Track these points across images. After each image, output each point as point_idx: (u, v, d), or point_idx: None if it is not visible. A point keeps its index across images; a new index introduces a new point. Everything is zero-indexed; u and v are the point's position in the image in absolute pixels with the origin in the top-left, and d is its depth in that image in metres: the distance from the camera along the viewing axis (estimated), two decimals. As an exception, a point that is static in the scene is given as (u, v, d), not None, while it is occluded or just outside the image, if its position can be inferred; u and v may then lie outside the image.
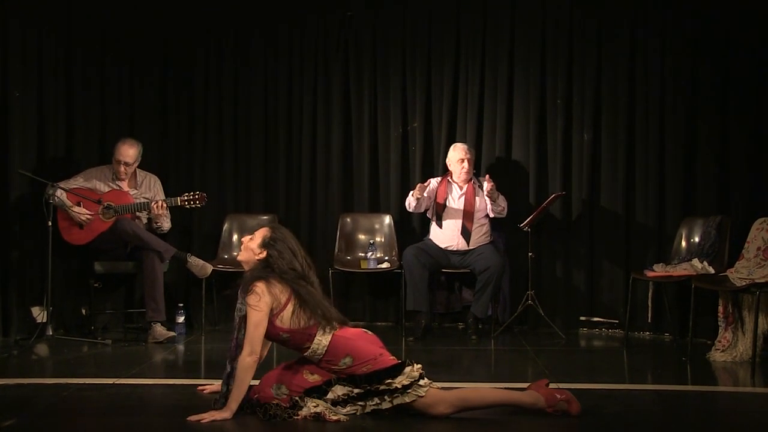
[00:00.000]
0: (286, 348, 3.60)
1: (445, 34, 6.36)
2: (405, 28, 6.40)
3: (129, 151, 5.73)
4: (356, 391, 3.42)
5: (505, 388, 3.68)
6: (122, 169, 5.72)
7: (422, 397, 3.39)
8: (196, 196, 5.67)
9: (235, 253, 5.64)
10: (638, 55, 6.08)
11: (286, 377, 3.50)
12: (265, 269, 3.52)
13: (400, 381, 3.40)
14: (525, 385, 3.68)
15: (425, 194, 5.87)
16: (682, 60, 5.97)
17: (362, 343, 3.53)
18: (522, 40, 6.26)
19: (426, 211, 6.02)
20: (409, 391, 3.39)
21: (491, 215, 5.92)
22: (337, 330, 3.51)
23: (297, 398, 3.42)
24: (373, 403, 3.41)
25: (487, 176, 5.80)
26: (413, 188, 6.10)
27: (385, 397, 3.40)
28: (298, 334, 3.47)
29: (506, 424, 3.43)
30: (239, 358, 3.42)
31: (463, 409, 3.44)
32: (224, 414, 3.36)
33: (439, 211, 5.92)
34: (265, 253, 3.55)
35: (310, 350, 3.48)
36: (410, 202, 5.90)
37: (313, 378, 3.47)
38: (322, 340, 3.48)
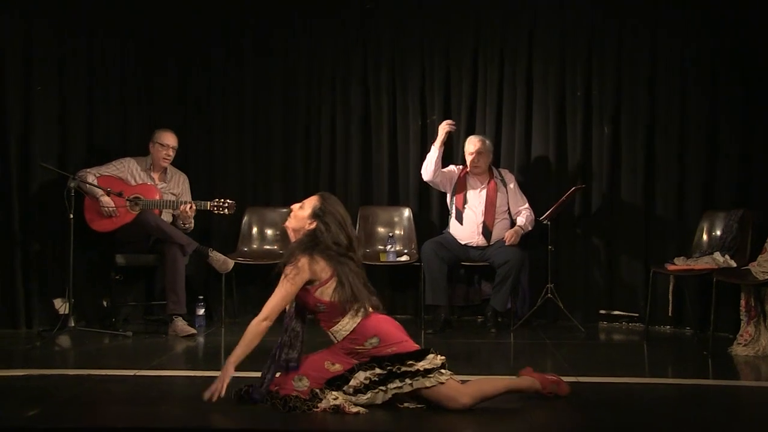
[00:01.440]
0: (313, 321, 3.60)
1: (464, 27, 6.34)
2: (423, 20, 6.38)
3: (174, 137, 5.85)
4: (378, 371, 3.42)
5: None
6: (170, 153, 5.81)
7: (443, 383, 3.39)
8: (226, 204, 5.69)
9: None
10: (659, 47, 6.03)
11: (306, 369, 3.50)
12: (311, 242, 3.53)
13: (422, 365, 3.41)
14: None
15: (443, 170, 5.84)
16: (702, 52, 5.92)
17: (390, 326, 3.55)
18: (541, 33, 6.24)
19: (445, 196, 6.01)
20: (430, 375, 3.39)
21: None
22: (368, 314, 3.53)
23: (318, 390, 3.42)
24: (395, 386, 3.40)
25: (508, 236, 5.78)
26: (431, 186, 6.11)
27: (407, 379, 3.39)
28: (333, 308, 3.50)
29: (524, 414, 3.43)
30: (253, 320, 3.48)
31: (481, 399, 3.44)
32: (224, 375, 3.43)
33: (459, 206, 5.89)
34: (314, 224, 3.56)
35: (338, 325, 3.50)
36: (427, 165, 5.85)
37: (334, 368, 3.48)
38: (354, 316, 3.50)
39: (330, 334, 3.56)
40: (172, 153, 5.84)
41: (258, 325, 3.46)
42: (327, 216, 3.57)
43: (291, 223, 3.65)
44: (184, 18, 6.39)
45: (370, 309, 3.55)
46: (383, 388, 3.41)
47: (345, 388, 3.42)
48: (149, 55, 6.35)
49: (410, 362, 3.42)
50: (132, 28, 6.28)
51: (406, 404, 3.45)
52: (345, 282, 3.49)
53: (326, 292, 3.50)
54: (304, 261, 3.47)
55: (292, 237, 3.65)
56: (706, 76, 5.91)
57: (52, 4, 5.87)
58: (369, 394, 3.41)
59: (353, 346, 3.49)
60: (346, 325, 3.50)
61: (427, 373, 3.40)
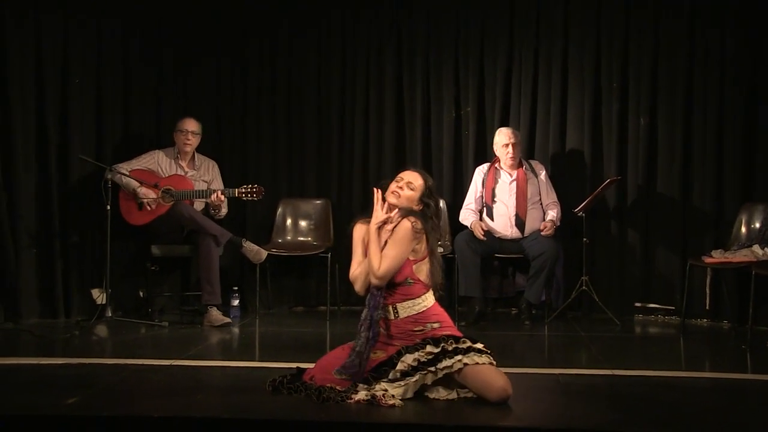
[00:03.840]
0: (391, 296, 3.55)
1: (499, 17, 6.30)
2: (458, 12, 6.35)
3: (193, 122, 5.89)
4: (429, 349, 3.40)
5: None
6: (189, 138, 5.84)
7: (493, 364, 3.40)
8: (254, 190, 5.72)
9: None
10: (697, 37, 5.94)
11: (343, 361, 3.49)
12: (425, 218, 3.59)
13: (475, 345, 3.44)
14: (580, 371, 3.66)
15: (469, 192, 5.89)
16: (741, 41, 5.82)
17: (446, 314, 3.63)
18: (576, 23, 6.17)
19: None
20: (483, 355, 3.41)
21: None
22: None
23: (365, 378, 3.40)
24: (445, 365, 3.37)
25: (544, 226, 5.75)
26: (465, 172, 6.10)
27: (458, 356, 3.38)
28: (420, 286, 3.55)
29: (560, 407, 3.41)
30: (374, 272, 3.49)
31: None
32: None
33: (489, 203, 5.86)
34: (421, 206, 3.62)
35: (409, 302, 3.52)
36: (466, 219, 5.87)
37: (376, 356, 3.47)
38: (429, 298, 3.57)
39: (391, 308, 3.53)
40: (191, 138, 5.86)
41: (373, 277, 3.50)
42: (433, 200, 3.67)
43: (401, 201, 3.60)
44: (219, 9, 6.43)
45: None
46: (432, 368, 3.38)
47: (391, 374, 3.39)
48: (184, 46, 6.39)
49: (464, 340, 3.44)
50: (167, 19, 6.33)
51: (435, 395, 3.42)
52: (437, 265, 3.57)
53: (421, 270, 3.54)
54: (422, 230, 3.53)
55: (390, 210, 3.61)
56: (745, 66, 5.81)
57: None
58: (417, 376, 3.38)
59: (412, 327, 3.50)
60: (417, 305, 3.52)
61: (480, 351, 3.42)
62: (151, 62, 6.30)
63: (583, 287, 5.73)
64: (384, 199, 3.62)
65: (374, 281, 3.50)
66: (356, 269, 3.60)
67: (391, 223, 3.57)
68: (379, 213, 3.59)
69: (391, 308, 3.54)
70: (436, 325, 3.50)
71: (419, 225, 3.52)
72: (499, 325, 5.78)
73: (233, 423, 3.17)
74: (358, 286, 3.59)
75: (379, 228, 3.58)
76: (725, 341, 5.32)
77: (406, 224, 3.52)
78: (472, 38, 6.33)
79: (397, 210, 3.59)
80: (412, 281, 3.53)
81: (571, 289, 5.85)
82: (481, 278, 5.81)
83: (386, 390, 3.35)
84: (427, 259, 3.55)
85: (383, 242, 3.54)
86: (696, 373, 4.35)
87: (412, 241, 3.51)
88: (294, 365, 3.73)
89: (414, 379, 3.38)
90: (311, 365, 3.62)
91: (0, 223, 5.51)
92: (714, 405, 3.64)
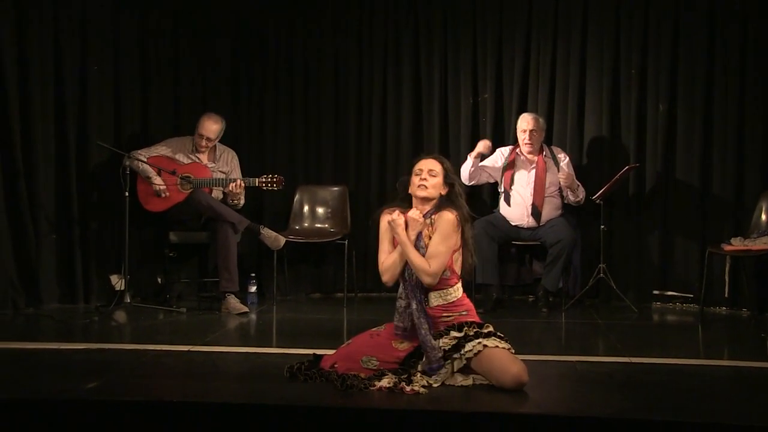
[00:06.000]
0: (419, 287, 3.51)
1: (517, 3, 6.25)
2: (475, -2, 6.33)
3: (212, 127, 5.84)
4: (454, 334, 3.41)
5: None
6: (203, 143, 5.83)
7: (512, 350, 3.41)
8: (274, 179, 5.74)
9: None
10: (717, 22, 5.88)
11: (373, 349, 3.49)
12: (455, 205, 3.53)
13: (497, 333, 3.46)
14: (598, 359, 3.65)
15: (483, 167, 5.81)
16: (763, 27, 5.75)
17: (471, 304, 3.63)
18: (595, 8, 6.12)
19: (495, 183, 5.97)
20: (503, 341, 3.41)
21: (569, 201, 5.83)
22: None
23: (388, 372, 3.39)
24: (467, 349, 3.37)
25: (565, 165, 5.72)
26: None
27: (481, 340, 3.39)
28: (454, 277, 3.53)
29: (577, 395, 3.41)
30: (428, 271, 3.42)
31: None
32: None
33: (507, 186, 5.84)
34: (447, 190, 3.56)
35: (451, 290, 3.50)
36: (462, 174, 5.81)
37: (403, 346, 3.48)
38: (460, 288, 3.54)
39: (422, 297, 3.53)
40: (205, 143, 5.84)
41: (427, 277, 3.44)
42: (456, 179, 3.60)
43: (430, 192, 3.53)
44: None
45: None
46: (457, 355, 3.39)
47: (420, 365, 3.41)
48: (202, 34, 6.40)
49: (487, 325, 3.47)
50: (184, 8, 6.33)
51: (451, 382, 3.42)
52: (471, 256, 3.55)
53: (456, 260, 3.51)
54: (463, 220, 3.49)
55: (420, 204, 3.54)
56: (766, 52, 5.74)
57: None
58: (446, 366, 3.40)
59: (441, 314, 3.48)
60: (449, 296, 3.50)
61: (502, 338, 3.43)
62: (168, 50, 6.30)
63: (601, 275, 5.71)
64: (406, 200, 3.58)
65: (428, 280, 3.44)
66: (386, 260, 3.54)
67: (427, 221, 3.49)
68: (416, 224, 3.49)
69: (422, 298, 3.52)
70: (464, 312, 3.51)
71: (459, 216, 3.48)
72: (516, 312, 5.76)
73: (250, 408, 3.19)
74: (387, 277, 3.54)
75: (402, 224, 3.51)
76: (744, 329, 5.30)
77: (449, 216, 3.47)
78: (490, 24, 6.29)
79: (428, 205, 3.53)
80: (449, 273, 3.50)
81: (589, 276, 5.83)
82: (498, 265, 5.80)
83: (428, 383, 3.35)
84: (461, 250, 3.51)
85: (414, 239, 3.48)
86: (714, 361, 4.32)
87: (456, 232, 3.47)
88: (311, 352, 3.73)
89: (444, 370, 3.40)
90: (328, 352, 3.63)
91: (20, 210, 5.56)
92: (733, 393, 3.62)
